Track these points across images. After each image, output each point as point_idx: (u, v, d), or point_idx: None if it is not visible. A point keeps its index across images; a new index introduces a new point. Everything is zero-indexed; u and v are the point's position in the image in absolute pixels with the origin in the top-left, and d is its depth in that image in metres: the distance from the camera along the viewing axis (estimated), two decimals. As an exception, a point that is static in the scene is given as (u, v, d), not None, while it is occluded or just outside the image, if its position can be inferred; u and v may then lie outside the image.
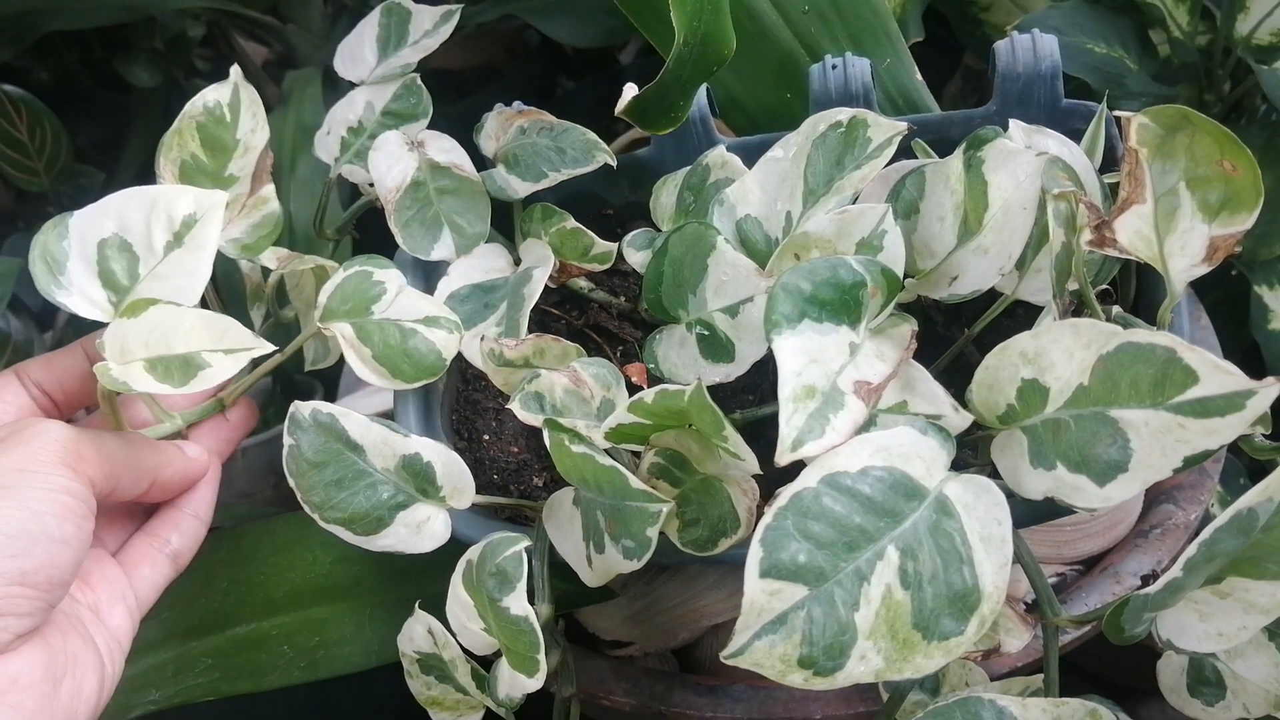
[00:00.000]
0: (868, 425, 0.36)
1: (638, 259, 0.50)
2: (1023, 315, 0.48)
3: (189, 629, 0.52)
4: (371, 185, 0.52)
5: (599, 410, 0.43)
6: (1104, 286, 0.45)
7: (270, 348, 0.42)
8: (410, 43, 0.55)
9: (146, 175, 1.09)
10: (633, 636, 0.54)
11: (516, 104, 0.55)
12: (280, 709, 0.70)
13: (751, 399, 0.49)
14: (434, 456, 0.42)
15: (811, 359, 0.35)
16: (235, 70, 0.50)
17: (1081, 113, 0.50)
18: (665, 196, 0.52)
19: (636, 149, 0.57)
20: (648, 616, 0.53)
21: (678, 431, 0.39)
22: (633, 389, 0.42)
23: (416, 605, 0.44)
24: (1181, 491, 0.54)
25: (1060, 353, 0.35)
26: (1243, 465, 0.65)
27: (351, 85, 0.56)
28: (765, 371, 0.47)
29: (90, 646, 0.39)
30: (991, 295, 0.42)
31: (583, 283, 0.54)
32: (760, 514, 0.32)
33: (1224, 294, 0.71)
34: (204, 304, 0.44)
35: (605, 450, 0.39)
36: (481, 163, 0.54)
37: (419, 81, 0.54)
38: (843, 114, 0.44)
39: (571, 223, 0.52)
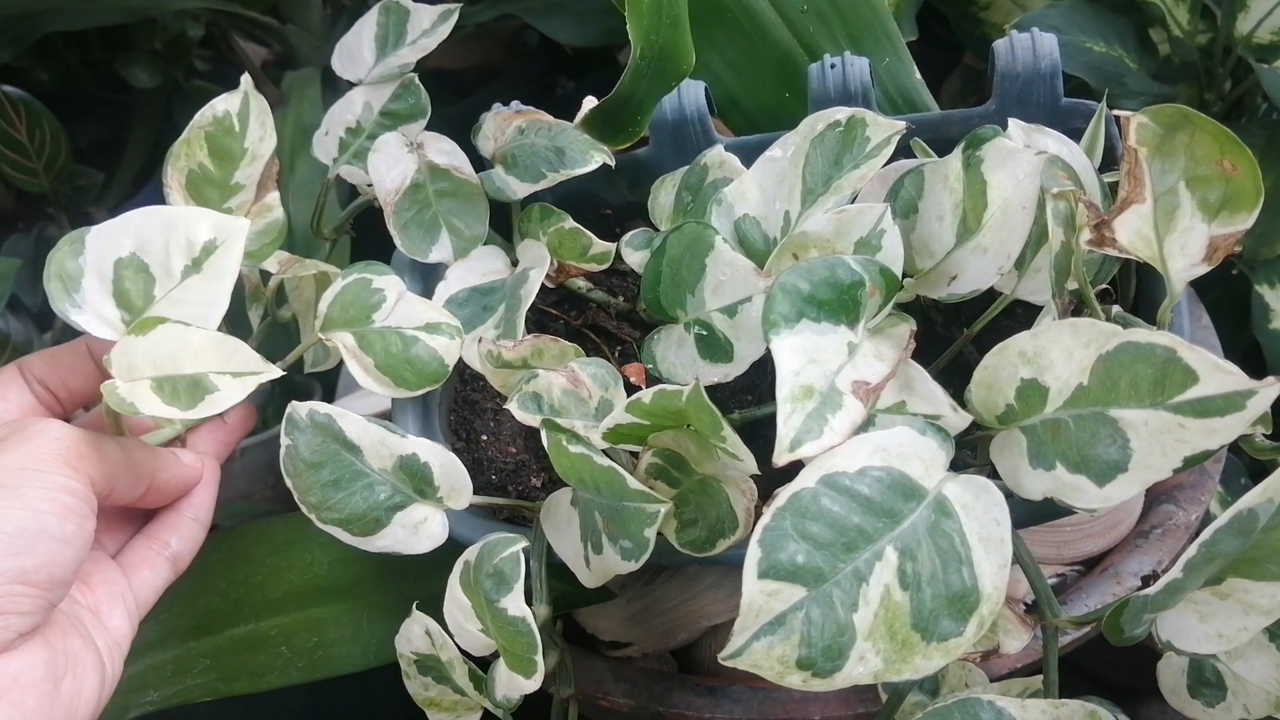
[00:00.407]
0: (866, 425, 0.35)
1: (636, 259, 0.50)
2: (1022, 315, 0.48)
3: (187, 629, 0.52)
4: (370, 185, 0.52)
5: (597, 410, 0.43)
6: (1103, 286, 0.45)
7: (278, 372, 0.42)
8: (408, 42, 0.55)
9: (146, 176, 1.10)
10: (631, 637, 0.54)
11: (515, 104, 0.54)
12: (279, 710, 0.70)
13: (750, 399, 0.49)
14: (431, 457, 0.42)
15: (810, 359, 0.35)
16: (246, 79, 0.50)
17: (1081, 112, 0.50)
18: (663, 196, 0.52)
19: (635, 149, 0.57)
20: (646, 617, 0.53)
21: (676, 432, 0.39)
22: (631, 389, 0.42)
23: (414, 606, 0.44)
24: (1182, 492, 0.54)
25: (1059, 352, 0.35)
26: (1243, 465, 0.65)
27: (350, 85, 0.56)
28: (764, 371, 0.47)
29: (90, 646, 0.39)
30: (990, 295, 0.42)
31: (581, 283, 0.54)
32: (759, 514, 0.32)
33: (1225, 293, 0.71)
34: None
35: (603, 450, 0.39)
36: (480, 163, 0.54)
37: (417, 81, 0.54)
38: (841, 113, 0.44)
39: (570, 223, 0.52)
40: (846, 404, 0.35)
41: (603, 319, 0.55)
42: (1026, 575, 0.39)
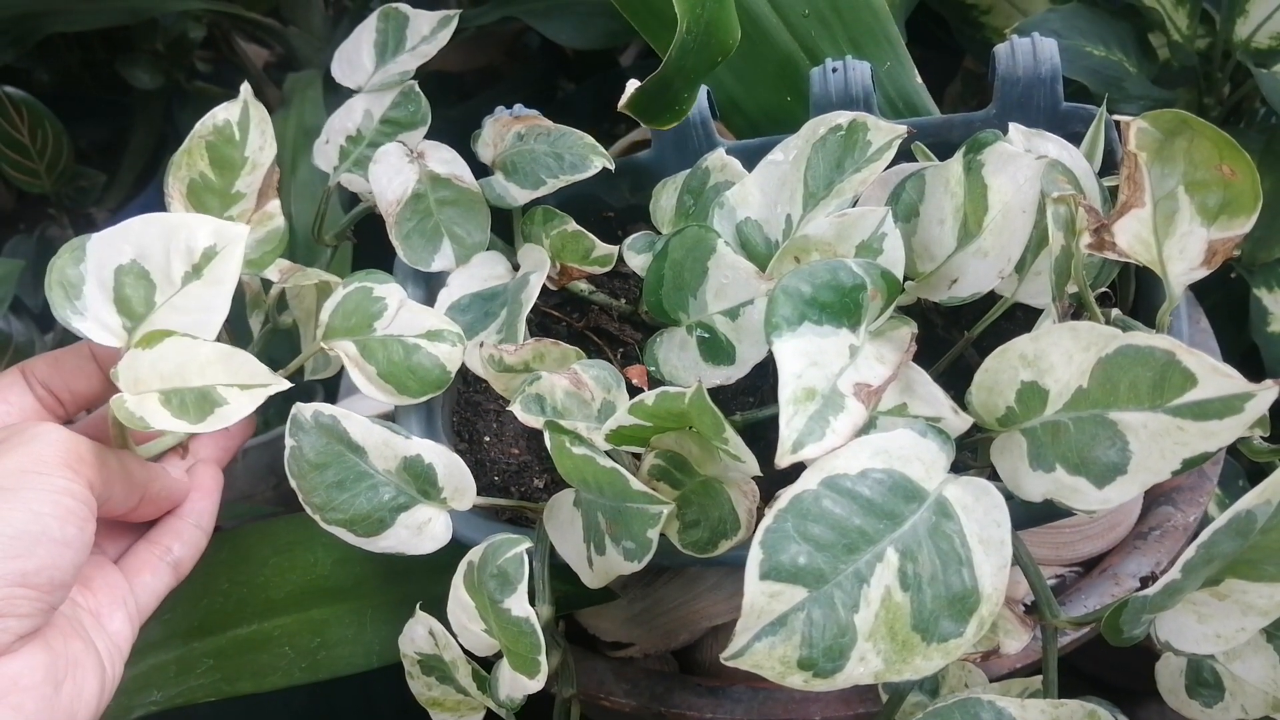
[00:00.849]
0: (867, 427, 0.36)
1: (638, 262, 0.50)
2: (1022, 318, 0.48)
3: (190, 630, 0.52)
4: (371, 192, 0.52)
5: (600, 412, 0.43)
6: (1103, 289, 0.45)
7: (286, 384, 0.42)
8: (408, 49, 0.55)
9: (147, 177, 1.10)
10: (633, 638, 0.54)
11: (517, 107, 0.55)
12: (281, 710, 0.70)
13: (752, 401, 0.49)
14: (435, 458, 0.42)
15: (811, 361, 0.35)
16: (245, 88, 0.50)
17: (1081, 116, 0.50)
18: (665, 199, 0.52)
19: (637, 151, 0.57)
20: (648, 618, 0.53)
21: (678, 433, 0.40)
22: (633, 391, 0.42)
23: (418, 606, 0.44)
24: (1180, 494, 0.54)
25: (1059, 355, 0.35)
26: (1242, 468, 0.66)
27: (351, 90, 0.56)
28: (766, 374, 0.47)
29: (91, 650, 0.39)
30: (991, 298, 0.42)
31: (583, 285, 0.54)
32: (760, 516, 0.32)
33: (1224, 297, 0.71)
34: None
35: (606, 452, 0.39)
36: (480, 169, 0.54)
37: (417, 89, 0.54)
38: (842, 117, 0.44)
39: (572, 226, 0.52)
40: (848, 406, 0.35)
41: (605, 321, 0.55)
42: (1026, 576, 0.39)
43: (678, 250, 0.45)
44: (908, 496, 0.33)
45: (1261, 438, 0.38)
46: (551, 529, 0.42)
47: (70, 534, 0.37)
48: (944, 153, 0.46)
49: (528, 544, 0.40)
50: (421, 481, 0.42)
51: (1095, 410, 0.34)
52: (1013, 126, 0.44)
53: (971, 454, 0.39)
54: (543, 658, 0.38)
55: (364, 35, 0.56)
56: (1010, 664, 0.48)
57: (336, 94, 0.57)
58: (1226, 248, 0.38)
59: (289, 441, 0.42)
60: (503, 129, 0.53)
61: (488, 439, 0.51)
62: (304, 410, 0.43)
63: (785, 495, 0.32)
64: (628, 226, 0.57)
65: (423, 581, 0.51)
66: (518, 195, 0.52)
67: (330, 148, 0.55)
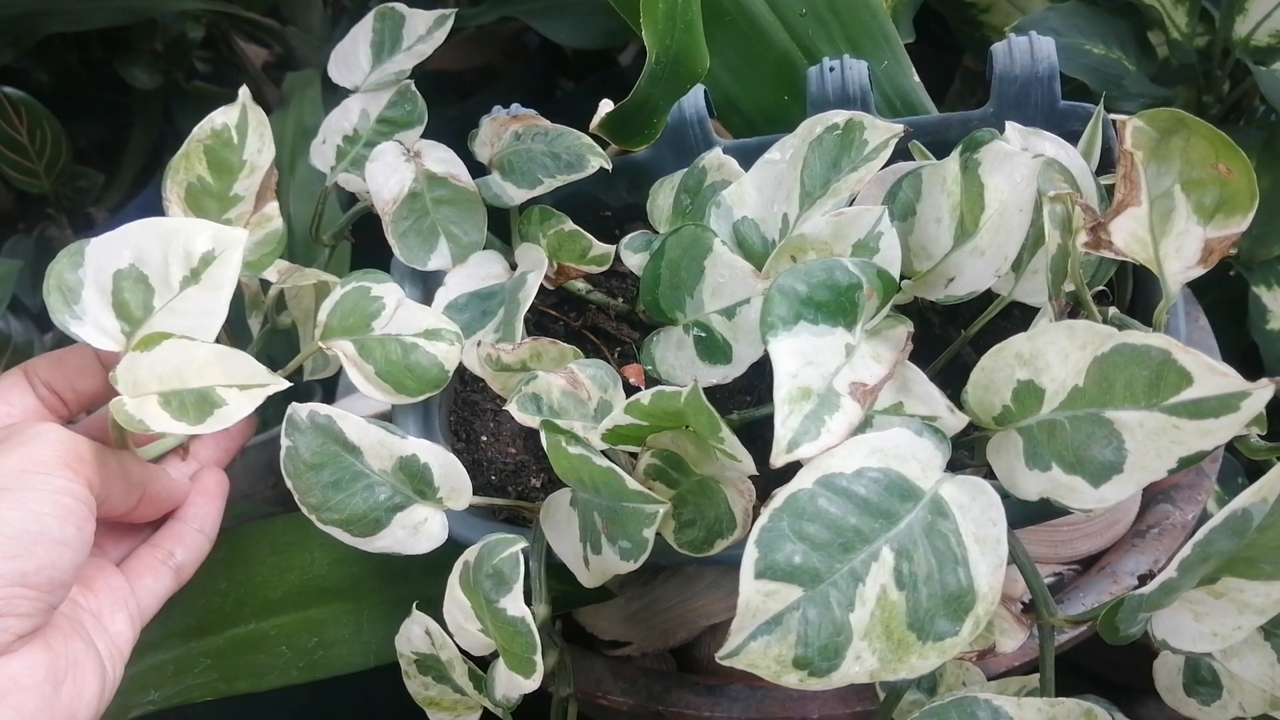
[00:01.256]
0: (863, 427, 0.36)
1: (635, 261, 0.50)
2: (1019, 316, 0.48)
3: (188, 629, 0.52)
4: (368, 192, 0.52)
5: (596, 411, 0.43)
6: (1100, 288, 0.45)
7: (285, 384, 0.42)
8: (404, 48, 0.55)
9: (147, 177, 1.10)
10: (631, 636, 0.54)
11: (514, 106, 0.55)
12: (279, 709, 0.70)
13: (748, 400, 0.49)
14: (431, 458, 0.42)
15: (807, 361, 0.35)
16: (244, 91, 0.50)
17: (1079, 114, 0.50)
18: (662, 199, 0.52)
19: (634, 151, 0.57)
20: (645, 617, 0.53)
21: (674, 433, 0.39)
22: (631, 390, 0.42)
23: (414, 606, 0.44)
24: (1179, 491, 0.54)
25: (1055, 354, 0.35)
26: (1240, 465, 0.66)
27: (349, 91, 0.56)
28: (763, 373, 0.47)
29: (91, 650, 0.39)
30: (988, 297, 0.42)
31: (581, 285, 0.54)
32: (757, 515, 0.32)
33: (1222, 295, 0.71)
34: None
35: (602, 451, 0.39)
36: (478, 169, 0.54)
37: (414, 88, 0.54)
38: (839, 116, 0.44)
39: (569, 225, 0.52)
40: (844, 405, 0.35)
41: (602, 320, 0.55)
42: (1023, 574, 0.39)
43: (674, 249, 0.45)
44: (903, 495, 0.33)
45: (1259, 436, 0.38)
46: (548, 528, 0.42)
47: (70, 534, 0.37)
48: (942, 151, 0.46)
49: (523, 544, 0.40)
50: (417, 481, 0.42)
51: (1091, 409, 0.34)
52: (1009, 125, 0.44)
53: (968, 453, 0.39)
54: (538, 657, 0.38)
55: (360, 35, 0.56)
56: (1008, 662, 0.48)
57: (335, 94, 0.57)
58: (1223, 246, 0.38)
59: (284, 442, 0.42)
60: (500, 128, 0.53)
61: (485, 438, 0.51)
62: (299, 410, 0.43)
63: (781, 494, 0.32)
64: (625, 226, 0.57)
65: (420, 581, 0.51)
66: (515, 195, 0.52)
67: (327, 148, 0.55)
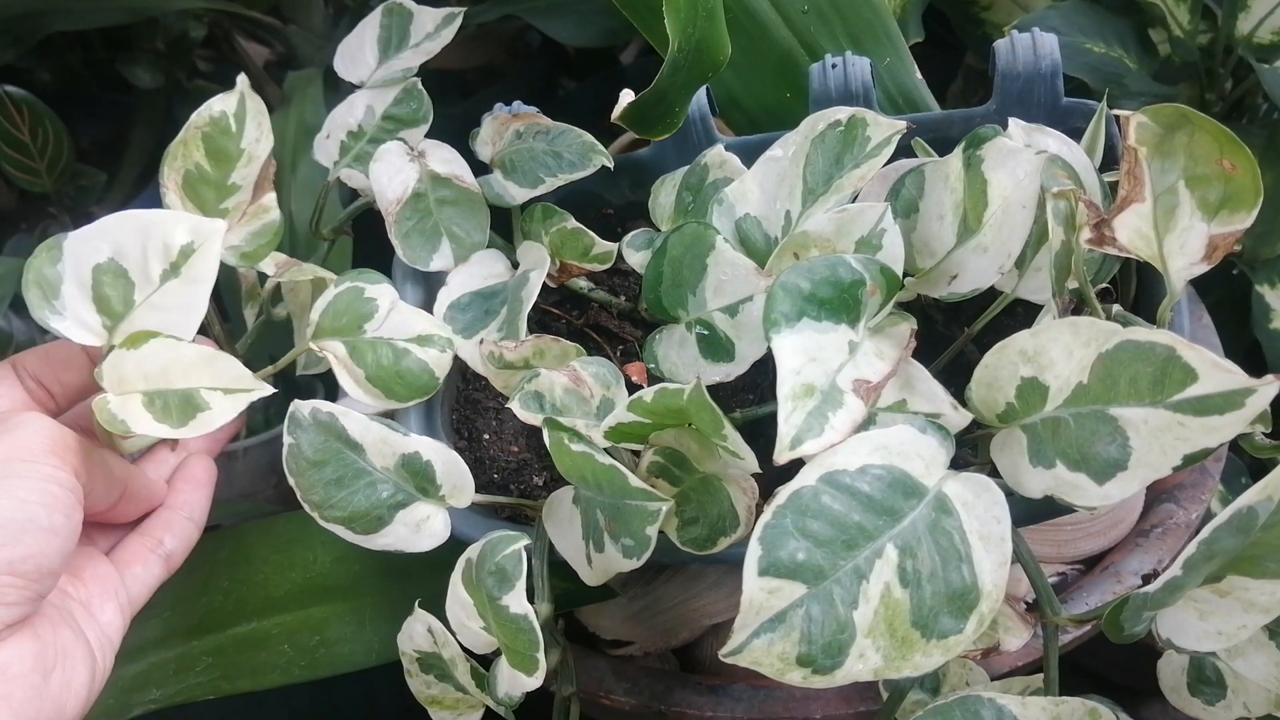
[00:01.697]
0: (867, 424, 0.36)
1: (637, 259, 0.50)
2: (1022, 314, 0.48)
3: (190, 628, 0.52)
4: (370, 188, 0.52)
5: (599, 409, 0.43)
6: (1104, 285, 0.45)
7: (269, 389, 0.43)
8: (411, 45, 0.55)
9: (149, 176, 1.09)
10: (633, 636, 0.54)
11: (516, 104, 0.54)
12: (281, 708, 0.70)
13: (751, 398, 0.49)
14: (433, 455, 0.42)
15: (810, 357, 0.35)
16: (242, 79, 0.50)
17: (1082, 111, 0.50)
18: (664, 196, 0.52)
19: (637, 149, 0.57)
20: (648, 616, 0.53)
21: (677, 430, 0.39)
22: (633, 388, 0.42)
23: (416, 604, 0.44)
24: (1183, 490, 0.54)
25: (1059, 351, 0.35)
26: (1244, 464, 0.65)
27: (352, 87, 0.56)
28: (765, 370, 0.47)
29: (81, 640, 0.39)
30: (991, 294, 0.42)
31: (583, 283, 0.54)
32: (760, 512, 0.32)
33: (1226, 293, 0.71)
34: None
35: (605, 449, 0.39)
36: (479, 167, 0.54)
37: (420, 86, 0.54)
38: (841, 113, 0.44)
39: (572, 223, 0.52)
40: (847, 402, 0.35)
41: (605, 318, 0.55)
42: (1027, 573, 0.39)
43: (677, 247, 0.45)
44: (907, 493, 0.33)
45: (1263, 434, 0.38)
46: (550, 526, 0.42)
47: (57, 521, 0.37)
48: (944, 148, 0.46)
49: (526, 541, 0.40)
50: (420, 479, 0.42)
51: (1095, 406, 0.34)
52: (1012, 122, 0.43)
53: (971, 450, 0.39)
54: (541, 655, 0.38)
55: (367, 30, 0.56)
56: (1011, 662, 0.48)
57: (337, 92, 0.57)
58: (1227, 243, 0.38)
59: (287, 439, 0.42)
60: (501, 127, 0.53)
61: (487, 436, 0.51)
62: (302, 408, 0.43)
63: (784, 491, 0.32)
64: (627, 223, 0.57)
65: (422, 579, 0.51)
66: (516, 194, 0.52)
67: (331, 143, 0.55)
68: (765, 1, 0.56)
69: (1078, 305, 0.40)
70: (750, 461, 0.37)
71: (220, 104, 0.49)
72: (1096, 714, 0.34)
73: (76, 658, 0.38)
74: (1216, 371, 0.31)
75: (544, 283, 0.49)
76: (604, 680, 0.51)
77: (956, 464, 0.36)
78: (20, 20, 0.90)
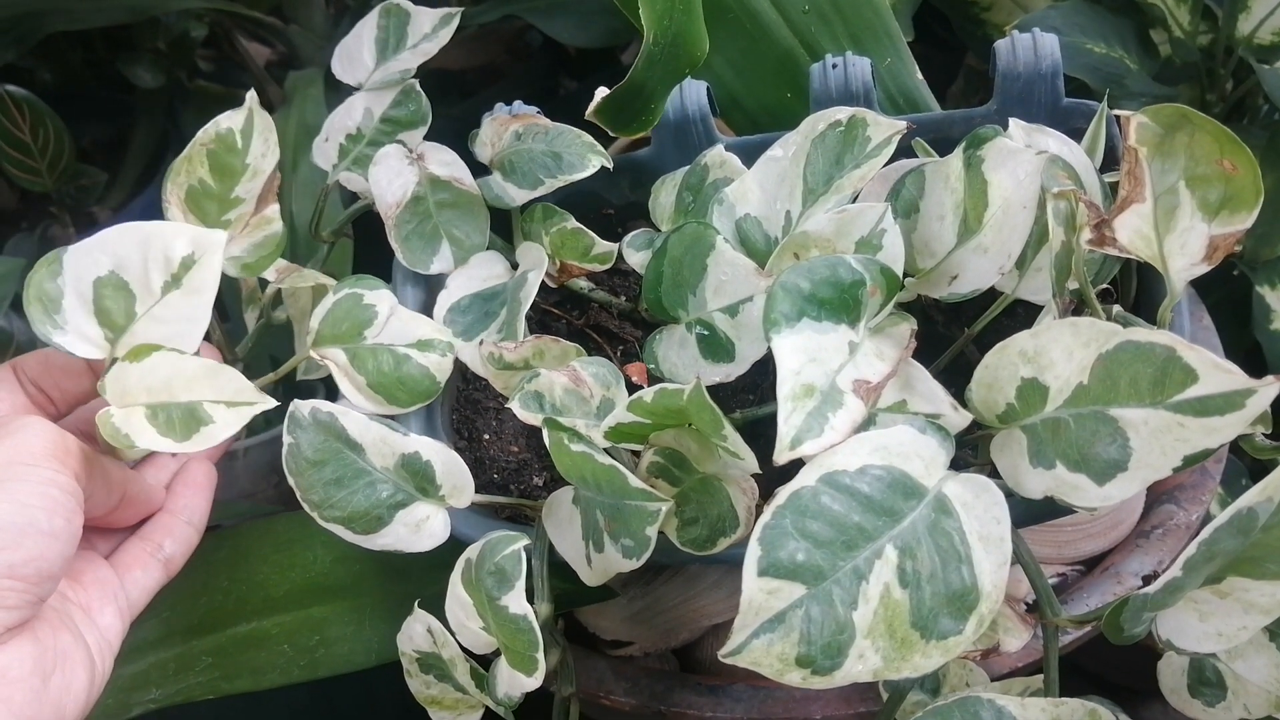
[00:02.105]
0: (867, 424, 0.36)
1: (637, 259, 0.50)
2: (1023, 314, 0.48)
3: (190, 627, 0.52)
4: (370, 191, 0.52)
5: (599, 409, 0.43)
6: (1104, 286, 0.45)
7: (272, 403, 0.43)
8: (409, 46, 0.55)
9: (150, 176, 1.09)
10: (633, 636, 0.54)
11: (516, 104, 0.54)
12: (282, 707, 0.70)
13: (752, 398, 0.49)
14: (433, 455, 0.42)
15: (810, 358, 0.35)
16: (251, 95, 0.50)
17: (1082, 111, 0.50)
18: (664, 196, 0.52)
19: (637, 149, 0.57)
20: (648, 616, 0.53)
21: (677, 430, 0.39)
22: (633, 389, 0.42)
23: (416, 604, 0.44)
24: (1183, 491, 0.54)
25: (1060, 351, 0.35)
26: (1244, 466, 0.65)
27: (352, 89, 0.56)
28: (766, 370, 0.47)
29: (81, 644, 0.39)
30: (992, 294, 0.42)
31: (583, 283, 0.54)
32: (760, 513, 0.32)
33: (1226, 294, 0.71)
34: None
35: (605, 449, 0.39)
36: (479, 168, 0.54)
37: (418, 88, 0.54)
38: (842, 113, 0.44)
39: (572, 223, 0.52)
40: (847, 403, 0.35)
41: (605, 319, 0.55)
42: (1027, 574, 0.39)
43: (677, 247, 0.45)
44: (907, 493, 0.33)
45: (1263, 434, 0.38)
46: (550, 527, 0.42)
47: (58, 525, 0.37)
48: (945, 149, 0.46)
49: (525, 541, 0.40)
50: (419, 479, 0.42)
51: (1096, 407, 0.34)
52: (1013, 122, 0.43)
53: (971, 451, 0.39)
54: (540, 655, 0.38)
55: (365, 32, 0.56)
56: (1012, 663, 0.48)
57: (338, 92, 0.57)
58: (1228, 243, 0.38)
59: (286, 438, 0.42)
60: (500, 128, 0.53)
61: (487, 436, 0.51)
62: (302, 407, 0.43)
63: (783, 492, 0.32)
64: (628, 223, 0.57)
65: (422, 579, 0.50)
66: (516, 195, 0.52)
67: (329, 145, 0.55)
68: (766, 1, 0.56)
69: (1078, 306, 0.40)
70: (750, 462, 0.37)
71: (228, 120, 0.49)
72: (1096, 715, 0.34)
73: (76, 661, 0.38)
74: (1217, 372, 0.31)
75: (544, 283, 0.49)
76: (604, 680, 0.51)
77: (957, 465, 0.35)
78: (21, 20, 0.90)
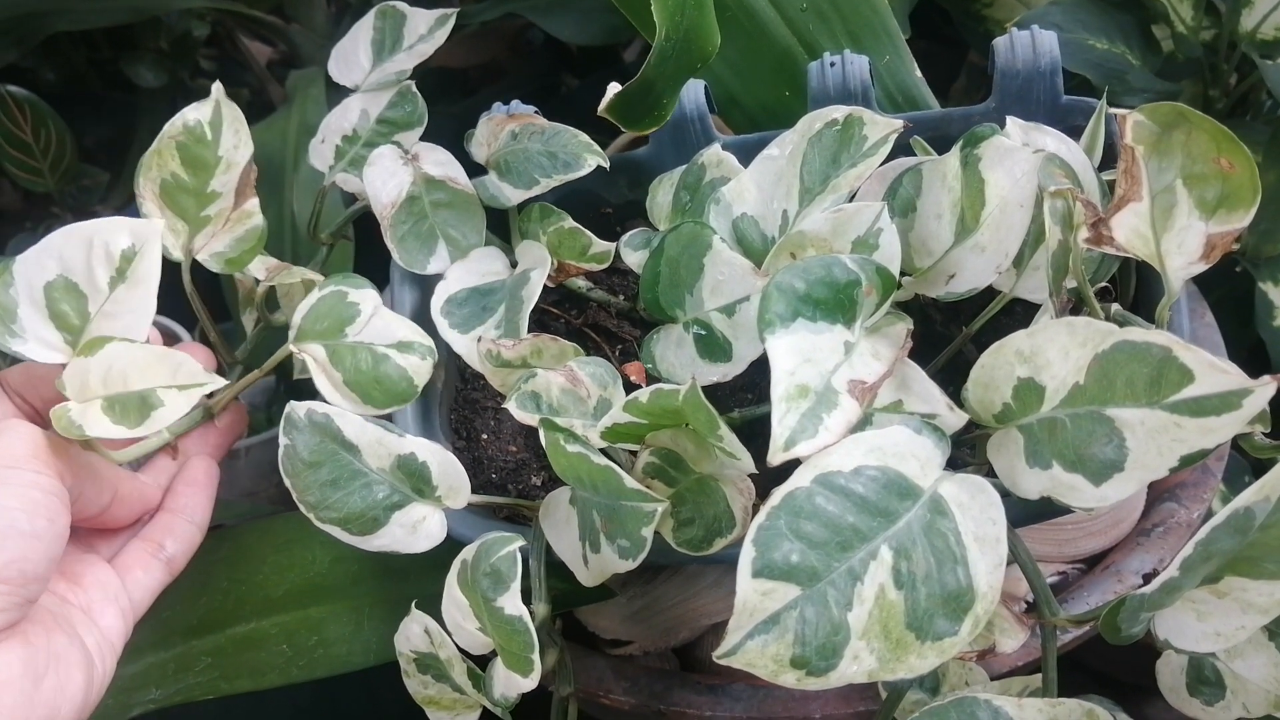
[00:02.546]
0: (862, 424, 0.35)
1: (635, 259, 0.50)
2: (1021, 313, 0.47)
3: (189, 628, 0.52)
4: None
5: (595, 409, 0.43)
6: (1103, 284, 0.45)
7: (221, 381, 0.42)
8: (405, 47, 0.55)
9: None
10: (632, 635, 0.54)
11: (514, 104, 0.54)
12: (284, 707, 0.70)
13: (750, 397, 0.49)
14: (429, 456, 0.42)
15: (805, 358, 0.35)
16: (217, 87, 0.50)
17: (1082, 109, 0.50)
18: (662, 196, 0.52)
19: (635, 148, 0.57)
20: (647, 616, 0.53)
21: (673, 431, 0.39)
22: (632, 388, 0.42)
23: (413, 605, 0.44)
24: (1184, 490, 0.54)
25: (1056, 351, 0.34)
26: (1247, 464, 0.65)
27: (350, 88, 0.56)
28: (764, 370, 0.46)
29: (77, 645, 0.39)
30: (989, 293, 0.42)
31: (581, 282, 0.54)
32: (757, 513, 0.32)
33: (1229, 290, 0.71)
34: (190, 315, 0.43)
35: (601, 449, 0.39)
36: (475, 168, 0.54)
37: (414, 89, 0.54)
38: (838, 112, 0.44)
39: (570, 222, 0.52)
40: (842, 403, 0.35)
41: (603, 318, 0.55)
42: (1024, 574, 0.38)
43: (674, 247, 0.45)
44: (902, 494, 0.33)
45: (1262, 433, 0.38)
46: (547, 527, 0.42)
47: (40, 526, 0.37)
48: (943, 147, 0.45)
49: (520, 542, 0.40)
50: (415, 480, 0.42)
51: (1092, 407, 0.33)
52: (1010, 120, 0.43)
53: (968, 451, 0.39)
54: (536, 656, 0.38)
55: (361, 33, 0.56)
56: (1012, 662, 0.48)
57: (339, 91, 0.57)
58: (1225, 241, 0.37)
59: (283, 440, 0.42)
60: (496, 128, 0.53)
61: (485, 436, 0.51)
62: (298, 409, 0.43)
63: (778, 493, 0.32)
64: (626, 223, 0.57)
65: (420, 579, 0.51)
66: (511, 195, 0.51)
67: (326, 147, 0.55)
68: (764, 0, 0.56)
69: (1076, 304, 0.40)
70: (746, 462, 0.37)
71: (194, 113, 0.49)
72: (1094, 715, 0.34)
73: (71, 663, 0.38)
74: (1213, 372, 0.31)
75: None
76: (603, 680, 0.51)
77: (953, 465, 0.35)
78: (23, 20, 0.90)
